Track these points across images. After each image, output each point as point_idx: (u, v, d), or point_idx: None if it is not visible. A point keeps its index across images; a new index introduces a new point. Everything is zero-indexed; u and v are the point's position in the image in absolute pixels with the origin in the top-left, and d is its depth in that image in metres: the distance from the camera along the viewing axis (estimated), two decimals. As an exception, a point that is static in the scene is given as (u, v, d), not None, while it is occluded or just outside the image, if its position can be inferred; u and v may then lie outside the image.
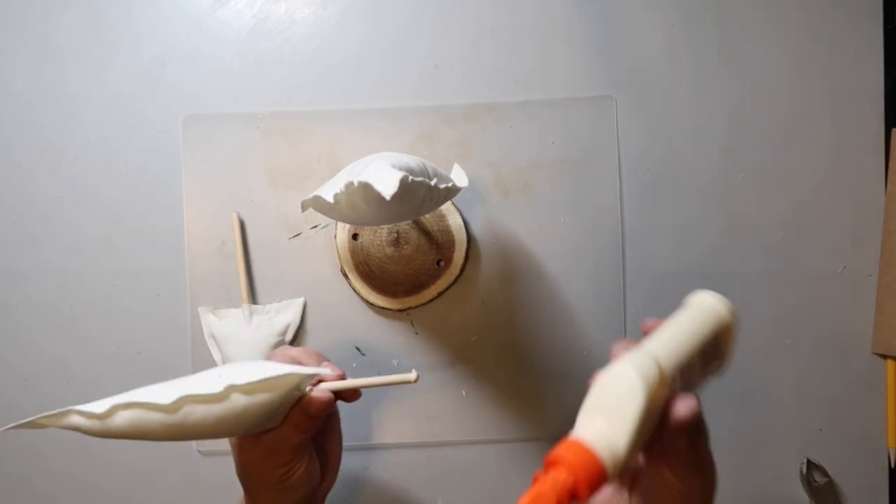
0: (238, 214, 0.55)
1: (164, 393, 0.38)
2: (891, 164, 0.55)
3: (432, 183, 0.41)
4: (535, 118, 0.56)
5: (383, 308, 0.55)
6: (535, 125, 0.56)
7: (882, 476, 0.55)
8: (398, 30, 0.56)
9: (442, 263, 0.54)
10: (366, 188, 0.37)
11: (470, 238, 0.55)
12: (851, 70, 0.55)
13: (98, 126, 0.56)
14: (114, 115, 0.56)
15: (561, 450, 0.28)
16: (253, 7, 0.56)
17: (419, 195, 0.40)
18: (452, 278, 0.54)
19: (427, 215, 0.54)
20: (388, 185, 0.36)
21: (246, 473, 0.43)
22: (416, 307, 0.55)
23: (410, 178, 0.38)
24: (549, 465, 0.28)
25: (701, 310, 0.35)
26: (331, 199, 0.40)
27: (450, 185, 0.43)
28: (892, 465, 0.55)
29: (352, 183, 0.38)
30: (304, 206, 0.43)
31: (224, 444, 0.55)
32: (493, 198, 0.56)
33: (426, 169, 0.42)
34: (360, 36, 0.56)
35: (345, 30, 0.56)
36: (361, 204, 0.40)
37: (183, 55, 0.56)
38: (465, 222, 0.55)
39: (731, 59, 0.56)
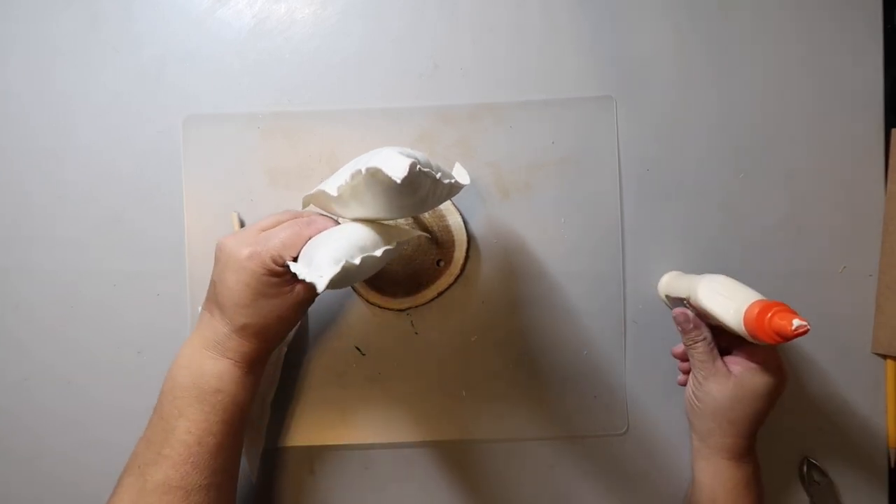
0: (238, 214, 0.55)
1: (372, 247, 0.43)
2: (891, 164, 0.55)
3: (438, 176, 0.40)
4: (535, 118, 0.56)
5: (383, 308, 0.55)
6: (535, 125, 0.56)
7: (882, 476, 0.55)
8: (398, 30, 0.56)
9: (442, 263, 0.54)
10: (375, 175, 0.37)
11: (470, 238, 0.55)
12: (851, 70, 0.56)
13: (98, 126, 0.56)
14: (114, 115, 0.56)
15: (769, 305, 0.40)
16: (253, 7, 0.56)
17: (425, 187, 0.40)
18: (452, 278, 0.54)
19: (427, 215, 0.54)
20: (398, 170, 0.36)
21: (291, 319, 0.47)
22: (416, 307, 0.55)
23: (419, 167, 0.38)
24: (762, 313, 0.40)
25: None
26: (334, 193, 0.40)
27: (453, 181, 0.43)
28: (892, 465, 0.55)
29: (359, 171, 0.38)
30: (305, 202, 0.43)
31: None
32: (494, 198, 0.56)
33: (429, 163, 0.42)
34: (360, 36, 0.56)
35: (345, 30, 0.56)
36: (367, 195, 0.40)
37: (183, 55, 0.56)
38: (465, 222, 0.55)
39: (731, 59, 0.56)
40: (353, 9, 0.56)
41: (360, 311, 0.56)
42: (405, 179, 0.36)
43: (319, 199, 0.43)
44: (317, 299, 0.56)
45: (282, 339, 0.49)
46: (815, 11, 0.56)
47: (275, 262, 0.43)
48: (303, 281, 0.41)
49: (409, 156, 0.39)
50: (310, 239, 0.44)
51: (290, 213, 0.47)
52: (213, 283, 0.46)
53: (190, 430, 0.44)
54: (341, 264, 0.39)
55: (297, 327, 0.55)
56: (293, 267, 0.41)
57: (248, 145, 0.56)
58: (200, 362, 0.45)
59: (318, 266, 0.40)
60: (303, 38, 0.56)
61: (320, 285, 0.39)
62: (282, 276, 0.44)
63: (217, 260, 0.46)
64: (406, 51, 0.56)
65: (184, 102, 0.56)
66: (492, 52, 0.56)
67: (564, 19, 0.56)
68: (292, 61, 0.56)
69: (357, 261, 0.40)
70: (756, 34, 0.56)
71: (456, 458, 0.56)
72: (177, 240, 0.56)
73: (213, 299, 0.46)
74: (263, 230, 0.45)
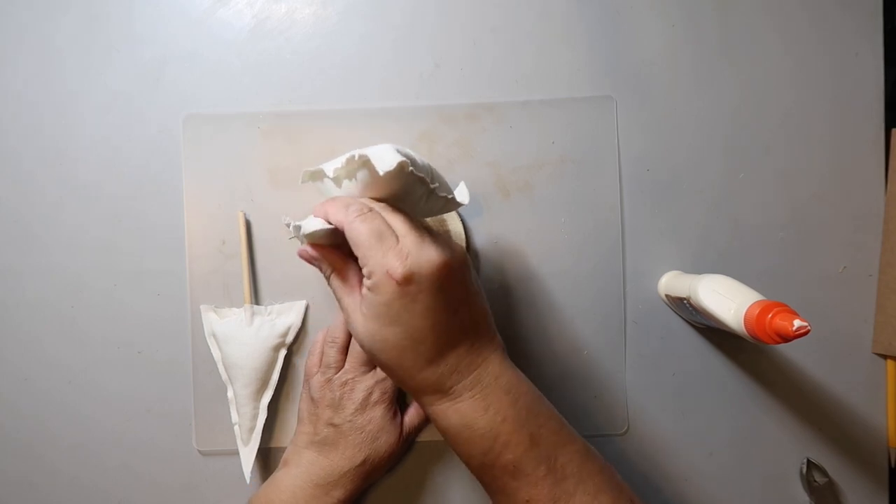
0: (245, 214, 0.55)
1: None
2: (891, 164, 0.55)
3: (433, 187, 0.40)
4: (535, 118, 0.56)
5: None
6: (535, 125, 0.56)
7: (882, 476, 0.55)
8: (399, 29, 0.56)
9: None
10: (365, 164, 0.37)
11: (470, 247, 0.55)
12: (851, 70, 0.56)
13: (98, 125, 0.56)
14: (114, 114, 0.56)
15: (770, 305, 0.40)
16: (253, 7, 0.56)
17: (416, 192, 0.40)
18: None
19: (431, 220, 0.54)
20: (385, 163, 0.36)
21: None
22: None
23: (411, 168, 0.38)
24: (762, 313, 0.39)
25: None
26: (330, 174, 0.40)
27: (449, 196, 0.43)
28: (892, 465, 0.55)
29: (353, 156, 0.38)
30: (304, 178, 0.43)
31: (224, 445, 0.55)
32: (494, 198, 0.56)
33: (431, 172, 0.42)
34: (360, 35, 0.56)
35: (345, 29, 0.56)
36: (358, 184, 0.40)
37: (183, 55, 0.56)
38: (466, 229, 0.55)
39: (731, 59, 0.56)
40: (354, 9, 0.56)
41: (360, 311, 0.56)
42: (388, 174, 0.36)
43: (318, 177, 0.43)
44: (319, 301, 0.56)
45: (376, 479, 0.53)
46: (815, 11, 0.56)
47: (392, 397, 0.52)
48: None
49: (406, 156, 0.39)
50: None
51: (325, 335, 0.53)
52: (330, 427, 0.50)
53: None
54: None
55: (294, 328, 0.55)
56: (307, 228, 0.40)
57: (249, 145, 0.56)
58: (305, 501, 0.49)
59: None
60: (303, 38, 0.56)
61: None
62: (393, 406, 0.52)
63: (332, 401, 0.51)
64: (406, 51, 0.56)
65: (184, 102, 0.56)
66: (492, 52, 0.56)
67: (564, 19, 0.56)
68: (293, 61, 0.56)
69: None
70: (756, 34, 0.56)
71: (457, 457, 0.56)
72: (177, 240, 0.56)
73: (330, 440, 0.50)
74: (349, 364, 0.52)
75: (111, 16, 0.56)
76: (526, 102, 0.56)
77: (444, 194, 0.42)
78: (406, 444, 0.54)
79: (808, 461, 0.55)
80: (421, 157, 0.42)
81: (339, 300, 0.41)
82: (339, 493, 0.49)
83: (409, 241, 0.37)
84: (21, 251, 0.56)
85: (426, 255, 0.37)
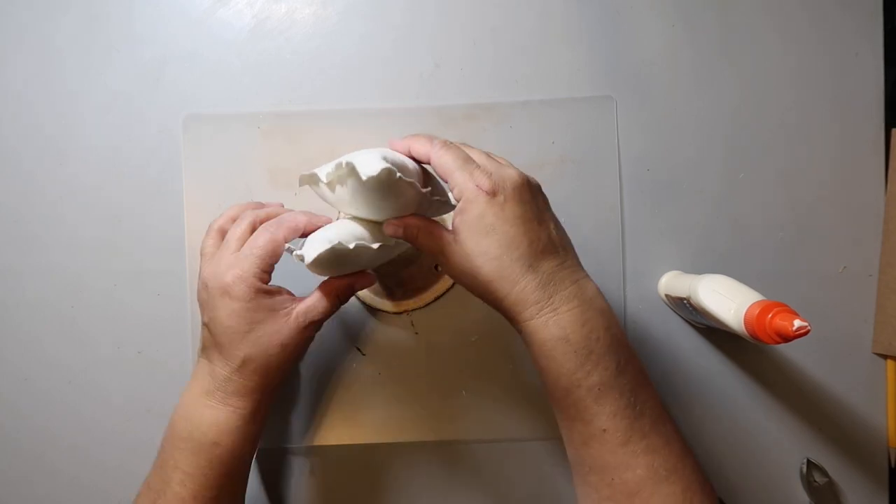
0: (240, 214, 0.55)
1: (370, 241, 0.43)
2: (891, 164, 0.55)
3: (425, 191, 0.41)
4: (535, 118, 0.56)
5: (383, 311, 0.55)
6: (535, 125, 0.56)
7: (882, 476, 0.55)
8: (399, 29, 0.56)
9: (440, 269, 0.54)
10: (351, 172, 0.38)
11: None
12: (851, 70, 0.56)
13: (98, 126, 0.56)
14: (114, 114, 0.56)
15: (770, 305, 0.40)
16: (253, 7, 0.56)
17: (406, 197, 0.40)
18: (451, 282, 0.54)
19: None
20: (368, 170, 0.37)
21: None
22: (416, 309, 0.55)
23: (399, 174, 0.38)
24: (762, 313, 0.39)
25: None
26: (324, 179, 0.41)
27: (445, 199, 0.43)
28: (892, 465, 0.55)
29: (341, 163, 0.38)
30: (301, 181, 0.43)
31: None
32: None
33: (424, 177, 0.42)
34: (360, 35, 0.56)
35: (345, 29, 0.56)
36: (348, 191, 0.40)
37: (183, 55, 0.56)
38: None
39: (731, 58, 0.56)
40: (354, 9, 0.56)
41: (360, 312, 0.56)
42: (371, 180, 0.37)
43: (313, 181, 0.43)
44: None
45: (286, 374, 0.46)
46: (816, 11, 0.56)
47: (261, 279, 0.43)
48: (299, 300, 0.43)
49: (395, 161, 0.39)
50: (284, 240, 0.44)
51: (240, 207, 0.49)
52: (204, 327, 0.45)
53: (185, 484, 0.43)
54: (333, 244, 0.40)
55: None
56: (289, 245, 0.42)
57: (249, 145, 0.56)
58: (200, 412, 0.44)
59: (309, 242, 0.41)
60: (303, 38, 0.56)
61: (307, 258, 0.40)
62: (274, 294, 0.43)
63: (203, 300, 0.44)
64: (406, 51, 0.56)
65: (184, 102, 0.56)
66: (492, 52, 0.56)
67: (564, 19, 0.56)
68: (293, 61, 0.56)
69: (351, 245, 0.40)
70: (756, 34, 0.56)
71: (456, 457, 0.56)
72: (177, 240, 0.56)
73: (209, 342, 0.45)
74: (238, 240, 0.44)
75: (111, 16, 0.56)
76: (526, 102, 0.56)
77: (437, 198, 0.42)
78: (305, 335, 0.45)
79: (808, 461, 0.55)
80: (413, 164, 0.42)
81: (431, 252, 0.42)
82: (237, 402, 0.44)
83: (490, 164, 0.41)
84: (21, 251, 0.56)
85: (507, 173, 0.41)
